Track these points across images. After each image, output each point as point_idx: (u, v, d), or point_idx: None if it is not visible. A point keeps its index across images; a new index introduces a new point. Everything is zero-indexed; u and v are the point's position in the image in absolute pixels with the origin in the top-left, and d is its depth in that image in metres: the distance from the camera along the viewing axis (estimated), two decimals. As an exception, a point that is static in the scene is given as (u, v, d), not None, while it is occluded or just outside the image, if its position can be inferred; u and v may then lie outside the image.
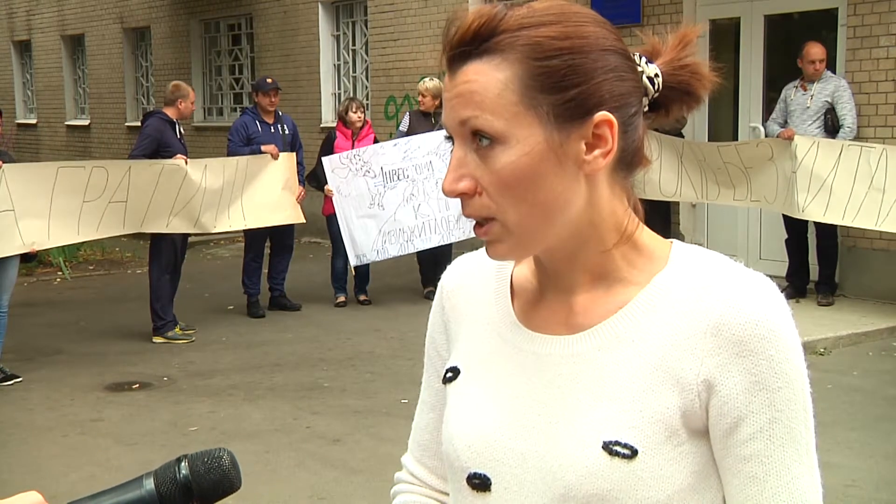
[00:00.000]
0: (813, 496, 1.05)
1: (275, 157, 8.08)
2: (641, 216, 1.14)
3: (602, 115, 1.03)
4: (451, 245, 8.38)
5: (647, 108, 1.12)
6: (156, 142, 7.44)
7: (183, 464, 0.96)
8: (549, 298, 1.15)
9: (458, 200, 1.07)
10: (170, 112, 7.59)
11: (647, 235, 1.13)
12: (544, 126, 1.03)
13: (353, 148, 8.42)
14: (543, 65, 1.02)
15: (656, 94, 1.12)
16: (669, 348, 1.06)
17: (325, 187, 8.22)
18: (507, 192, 1.04)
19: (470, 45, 1.03)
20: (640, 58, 1.11)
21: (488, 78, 1.02)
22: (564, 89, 1.02)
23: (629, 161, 1.10)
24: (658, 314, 1.07)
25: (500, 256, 1.10)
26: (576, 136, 1.04)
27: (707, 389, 1.04)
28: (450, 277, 1.29)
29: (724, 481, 1.07)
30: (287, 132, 8.44)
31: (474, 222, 1.08)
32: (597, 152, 1.05)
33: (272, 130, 8.34)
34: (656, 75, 1.11)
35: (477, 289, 1.24)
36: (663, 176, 8.03)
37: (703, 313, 1.05)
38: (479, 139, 1.03)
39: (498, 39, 1.02)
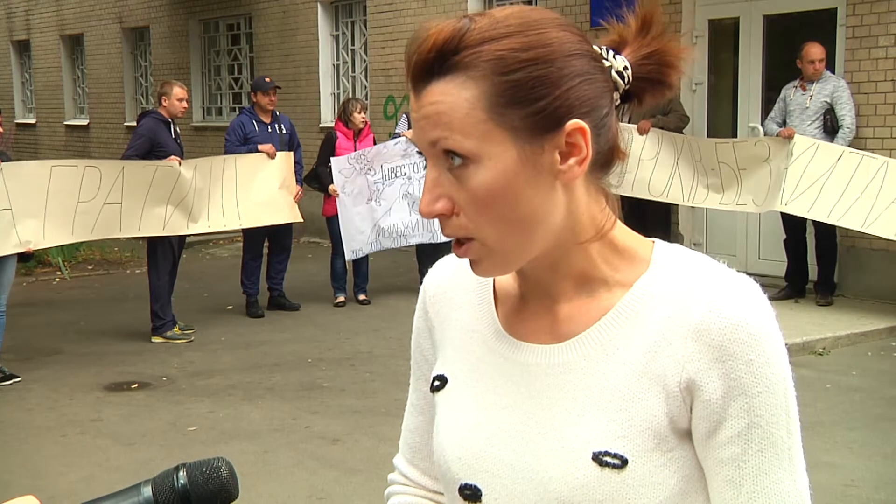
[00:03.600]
0: (794, 501, 1.04)
1: (271, 156, 8.09)
2: (618, 214, 1.12)
3: (573, 123, 1.01)
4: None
5: (618, 102, 1.10)
6: (149, 142, 7.44)
7: (181, 472, 0.96)
8: (532, 306, 1.14)
9: None
10: (162, 111, 7.60)
11: (626, 236, 1.12)
12: (515, 141, 1.00)
13: (355, 148, 8.52)
14: (508, 79, 0.99)
15: (627, 87, 1.09)
16: (653, 354, 1.05)
17: (330, 187, 8.30)
18: (483, 210, 1.02)
19: (433, 64, 1.01)
20: (608, 51, 1.09)
21: (454, 98, 1.00)
22: (532, 101, 1.00)
23: (603, 162, 1.08)
24: (641, 320, 1.06)
25: (484, 274, 1.09)
26: (549, 147, 1.01)
27: (690, 394, 1.04)
28: (432, 281, 1.28)
29: (707, 483, 1.07)
30: (284, 132, 8.44)
31: (454, 240, 1.07)
32: (572, 161, 1.02)
33: (269, 130, 8.33)
34: (625, 68, 1.09)
35: (460, 293, 1.23)
36: (655, 175, 8.01)
37: (685, 318, 1.04)
38: (452, 158, 1.01)
39: (460, 57, 1.00)
